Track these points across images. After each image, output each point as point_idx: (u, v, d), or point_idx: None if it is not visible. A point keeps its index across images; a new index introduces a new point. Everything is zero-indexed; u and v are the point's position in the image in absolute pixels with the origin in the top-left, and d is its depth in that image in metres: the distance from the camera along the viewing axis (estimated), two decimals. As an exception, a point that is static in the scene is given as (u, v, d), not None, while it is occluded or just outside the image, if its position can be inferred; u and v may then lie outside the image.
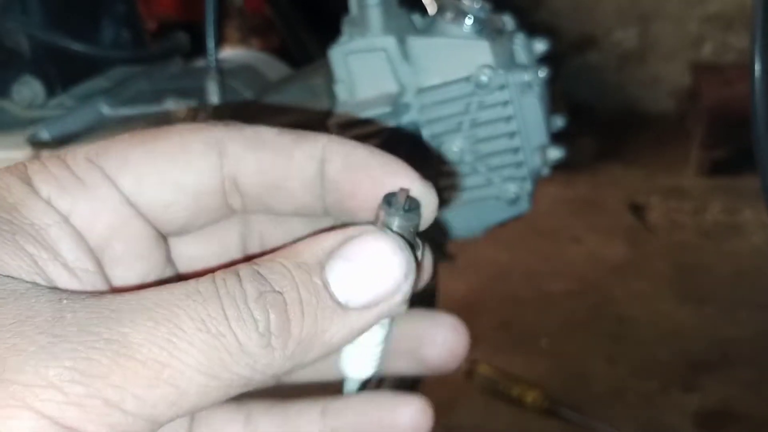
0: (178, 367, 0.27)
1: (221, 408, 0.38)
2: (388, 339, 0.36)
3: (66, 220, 0.32)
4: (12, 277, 0.28)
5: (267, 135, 0.34)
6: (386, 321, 0.35)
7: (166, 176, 0.33)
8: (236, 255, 0.39)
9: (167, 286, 0.29)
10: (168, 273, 0.37)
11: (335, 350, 0.31)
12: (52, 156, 0.33)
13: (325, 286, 0.30)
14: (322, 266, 0.30)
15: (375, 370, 0.37)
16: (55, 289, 0.30)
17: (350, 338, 0.31)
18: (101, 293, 0.29)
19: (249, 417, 0.38)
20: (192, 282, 0.29)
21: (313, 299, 0.29)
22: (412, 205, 0.31)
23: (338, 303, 0.30)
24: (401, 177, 0.33)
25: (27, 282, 0.29)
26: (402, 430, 0.38)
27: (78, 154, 0.33)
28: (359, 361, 0.36)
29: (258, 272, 0.29)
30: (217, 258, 0.38)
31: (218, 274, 0.29)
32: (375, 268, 0.30)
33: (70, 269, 0.32)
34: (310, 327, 0.29)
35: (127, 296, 0.28)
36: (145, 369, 0.27)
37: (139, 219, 0.34)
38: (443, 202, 0.76)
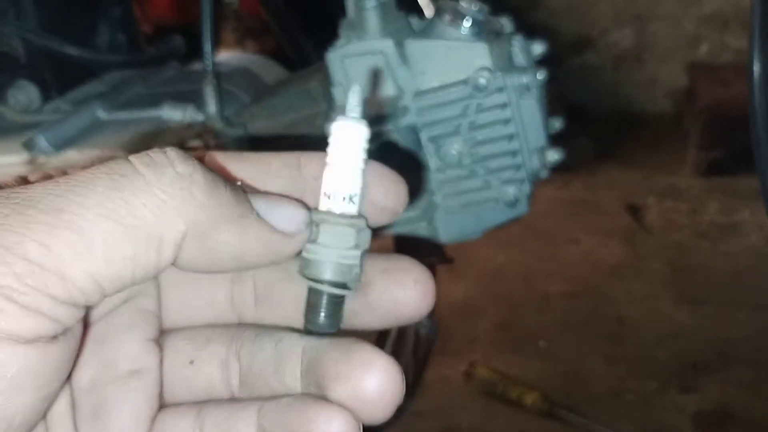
0: (78, 211, 0.27)
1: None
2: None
3: None
4: None
5: (246, 153, 0.37)
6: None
7: None
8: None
9: None
10: None
11: (243, 255, 0.32)
12: None
13: (244, 188, 0.32)
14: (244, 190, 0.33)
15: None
16: None
17: (258, 251, 0.32)
18: None
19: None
20: None
21: (237, 190, 0.31)
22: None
23: (253, 208, 0.32)
24: (376, 171, 0.35)
25: None
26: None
27: (77, 168, 0.35)
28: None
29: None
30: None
31: None
32: (285, 207, 0.33)
33: None
34: (231, 203, 0.31)
35: None
36: (44, 215, 0.27)
37: None
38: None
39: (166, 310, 0.38)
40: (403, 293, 0.35)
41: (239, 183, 0.33)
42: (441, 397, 1.94)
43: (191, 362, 0.37)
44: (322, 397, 0.32)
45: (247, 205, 0.32)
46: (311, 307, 0.35)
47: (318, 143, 0.35)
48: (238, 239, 0.31)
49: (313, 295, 0.35)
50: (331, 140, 0.34)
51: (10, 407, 0.27)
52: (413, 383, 0.95)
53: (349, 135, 0.34)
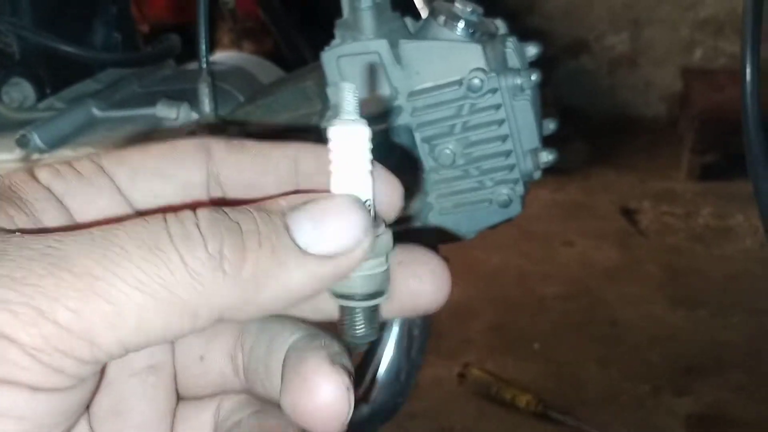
0: (112, 281, 0.27)
1: None
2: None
3: (54, 197, 0.33)
4: None
5: (248, 143, 0.36)
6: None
7: (157, 170, 0.35)
8: None
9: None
10: None
11: (295, 298, 0.30)
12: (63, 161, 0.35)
13: (285, 227, 0.30)
14: (284, 213, 0.30)
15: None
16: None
17: (311, 286, 0.30)
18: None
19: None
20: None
21: (272, 234, 0.30)
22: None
23: (297, 245, 0.30)
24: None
25: None
26: None
27: (83, 157, 0.35)
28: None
29: (218, 207, 0.30)
30: None
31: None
32: (336, 221, 0.30)
33: None
34: (267, 259, 0.29)
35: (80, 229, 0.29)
36: (78, 281, 0.27)
37: (130, 208, 0.35)
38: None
39: None
40: (420, 285, 0.35)
41: (283, 204, 0.31)
42: (435, 398, 1.94)
43: (201, 358, 0.37)
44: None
45: (287, 247, 0.30)
46: (348, 323, 0.34)
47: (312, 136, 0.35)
48: (282, 290, 0.30)
49: (347, 311, 0.34)
50: (332, 146, 0.32)
51: None
52: (406, 384, 0.95)
53: (351, 138, 0.31)
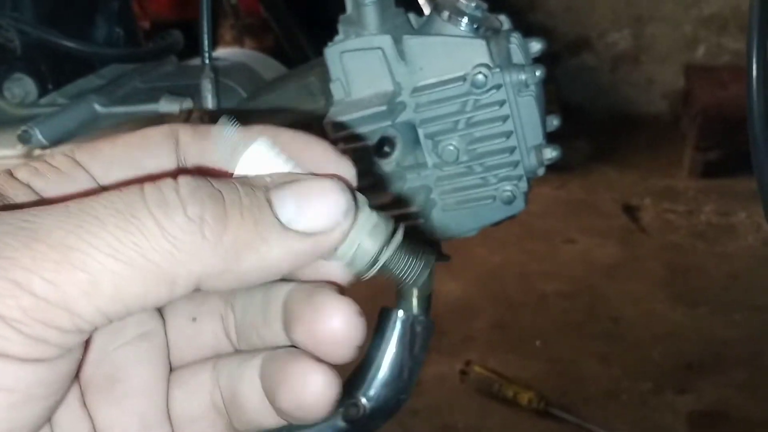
0: (87, 250, 0.27)
1: None
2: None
3: (36, 194, 0.33)
4: None
5: (213, 128, 0.36)
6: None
7: (129, 161, 0.35)
8: None
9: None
10: None
11: (273, 271, 0.31)
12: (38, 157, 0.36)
13: (269, 202, 0.31)
14: (267, 189, 0.31)
15: None
16: None
17: (289, 261, 0.31)
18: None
19: None
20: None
21: (254, 207, 0.30)
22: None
23: (279, 220, 0.31)
24: (319, 152, 0.35)
25: None
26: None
27: (56, 152, 0.36)
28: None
29: (202, 176, 0.30)
30: None
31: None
32: (318, 201, 0.31)
33: None
34: (249, 230, 0.30)
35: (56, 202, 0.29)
36: (53, 251, 0.27)
37: None
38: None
39: None
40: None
41: (268, 180, 0.32)
42: (437, 395, 1.94)
43: (194, 319, 0.38)
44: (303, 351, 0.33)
45: (269, 221, 0.30)
46: (403, 273, 0.34)
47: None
48: (262, 263, 0.30)
49: (390, 268, 0.34)
50: (246, 170, 0.33)
51: (20, 418, 0.28)
52: (409, 381, 0.95)
53: (251, 162, 0.33)
